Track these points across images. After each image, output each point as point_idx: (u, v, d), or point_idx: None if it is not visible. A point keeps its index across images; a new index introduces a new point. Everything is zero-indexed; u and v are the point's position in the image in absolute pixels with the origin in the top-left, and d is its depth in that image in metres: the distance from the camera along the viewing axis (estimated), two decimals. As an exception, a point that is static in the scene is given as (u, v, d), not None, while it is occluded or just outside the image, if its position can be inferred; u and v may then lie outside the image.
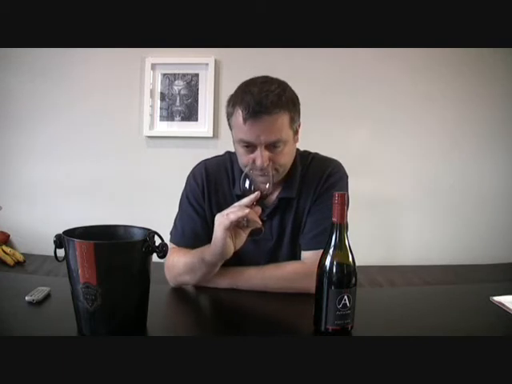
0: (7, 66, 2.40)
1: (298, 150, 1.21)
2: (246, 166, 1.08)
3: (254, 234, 1.04)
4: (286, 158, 1.10)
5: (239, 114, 1.04)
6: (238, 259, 1.10)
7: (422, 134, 2.42)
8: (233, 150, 1.25)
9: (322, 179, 1.17)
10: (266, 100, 1.00)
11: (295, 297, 1.06)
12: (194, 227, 1.20)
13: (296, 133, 1.13)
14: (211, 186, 1.21)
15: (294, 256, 1.19)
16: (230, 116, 1.11)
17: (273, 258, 1.18)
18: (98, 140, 2.44)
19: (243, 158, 1.09)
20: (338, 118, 2.39)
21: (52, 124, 2.44)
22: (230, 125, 1.14)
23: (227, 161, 1.24)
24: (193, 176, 1.24)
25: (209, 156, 1.30)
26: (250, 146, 1.06)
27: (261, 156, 1.03)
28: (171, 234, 1.25)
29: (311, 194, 1.17)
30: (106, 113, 2.43)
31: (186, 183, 1.26)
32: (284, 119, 1.04)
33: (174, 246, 1.22)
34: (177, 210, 1.32)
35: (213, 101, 2.37)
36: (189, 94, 2.40)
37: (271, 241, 1.19)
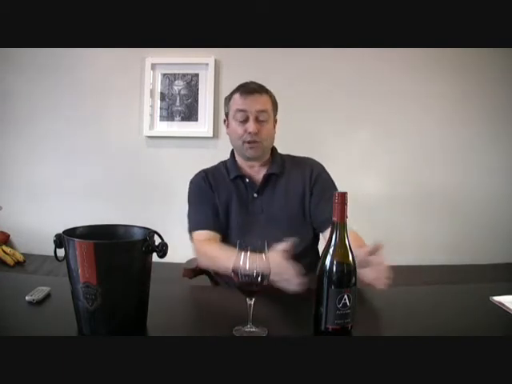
0: (7, 65, 2.41)
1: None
2: (239, 138, 1.35)
3: None
4: (269, 133, 1.39)
5: (237, 95, 1.36)
6: (231, 231, 1.35)
7: (422, 134, 2.42)
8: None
9: (308, 164, 1.44)
10: (255, 85, 1.38)
11: (295, 297, 1.06)
12: (205, 211, 1.38)
13: (274, 124, 1.42)
14: (213, 180, 1.41)
15: (293, 227, 1.36)
16: (227, 103, 1.40)
17: (265, 228, 1.32)
18: (98, 140, 2.44)
19: (238, 130, 1.36)
20: (338, 118, 2.39)
21: (52, 124, 2.44)
22: (227, 109, 1.40)
23: (221, 163, 1.47)
24: (195, 177, 1.44)
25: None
26: (244, 120, 1.34)
27: (252, 124, 1.33)
28: (188, 228, 1.39)
29: (299, 175, 1.41)
30: (106, 113, 2.43)
31: (190, 184, 1.43)
32: (269, 101, 1.38)
33: (195, 231, 1.36)
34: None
35: (213, 101, 2.37)
36: (189, 94, 2.40)
37: (261, 214, 1.39)
